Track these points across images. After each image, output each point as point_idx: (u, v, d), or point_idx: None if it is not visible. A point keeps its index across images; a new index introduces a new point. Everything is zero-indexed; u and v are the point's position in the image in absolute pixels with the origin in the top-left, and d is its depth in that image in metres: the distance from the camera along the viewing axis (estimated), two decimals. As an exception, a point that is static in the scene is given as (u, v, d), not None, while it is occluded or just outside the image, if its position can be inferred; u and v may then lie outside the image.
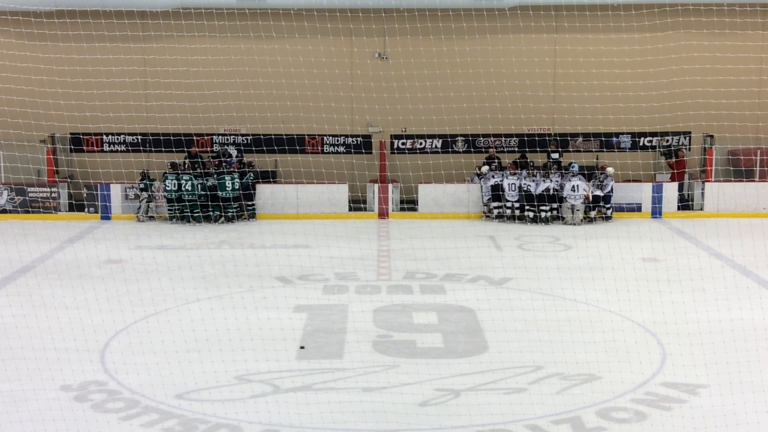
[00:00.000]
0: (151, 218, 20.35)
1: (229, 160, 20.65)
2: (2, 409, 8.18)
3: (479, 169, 21.17)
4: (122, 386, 8.83)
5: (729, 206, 20.21)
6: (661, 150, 22.17)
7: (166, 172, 19.97)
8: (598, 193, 19.83)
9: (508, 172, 20.18)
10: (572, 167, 19.93)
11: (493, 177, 20.18)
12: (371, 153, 22.49)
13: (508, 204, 20.05)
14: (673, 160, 21.53)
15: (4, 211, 20.64)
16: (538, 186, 19.70)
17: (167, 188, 19.76)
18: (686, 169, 21.31)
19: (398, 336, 10.65)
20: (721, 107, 17.99)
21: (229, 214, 19.93)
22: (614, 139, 22.39)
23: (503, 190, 20.05)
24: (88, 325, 10.59)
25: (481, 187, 20.58)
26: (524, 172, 20.15)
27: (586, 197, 19.62)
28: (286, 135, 21.52)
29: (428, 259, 14.74)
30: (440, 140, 22.51)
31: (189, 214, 19.81)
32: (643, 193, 20.88)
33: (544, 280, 13.23)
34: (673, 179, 21.17)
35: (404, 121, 21.54)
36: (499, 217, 20.19)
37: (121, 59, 20.79)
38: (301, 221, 19.54)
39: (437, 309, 11.88)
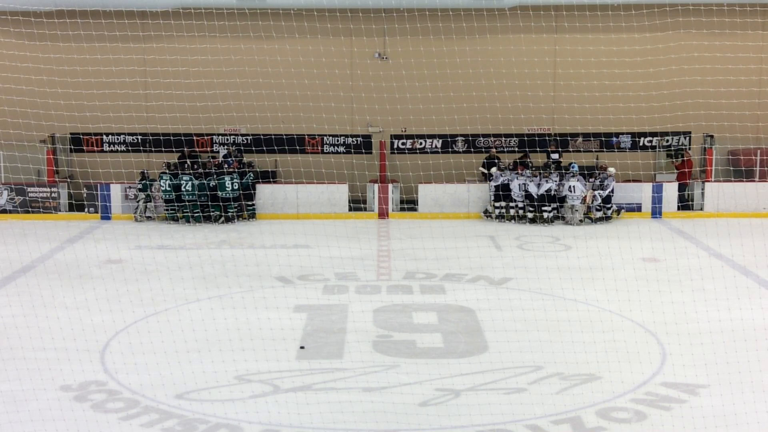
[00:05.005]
0: (149, 218, 20.35)
1: (229, 160, 20.65)
2: (2, 409, 8.18)
3: (488, 169, 21.07)
4: (122, 386, 8.83)
5: (729, 206, 20.20)
6: (667, 151, 22.16)
7: (162, 172, 19.98)
8: (605, 193, 19.83)
9: (514, 173, 20.15)
10: (572, 167, 19.94)
11: (500, 177, 20.16)
12: (371, 153, 22.48)
13: (513, 204, 20.04)
14: (679, 161, 21.49)
15: (4, 211, 20.64)
16: (540, 186, 19.70)
17: (162, 188, 19.76)
18: (690, 169, 21.26)
19: (398, 336, 10.65)
20: (721, 107, 17.99)
21: (229, 214, 19.93)
22: (614, 139, 22.39)
23: (509, 191, 20.02)
24: (88, 325, 10.60)
25: (491, 188, 20.49)
26: (528, 173, 20.15)
27: (585, 198, 19.63)
28: (286, 135, 21.52)
29: (428, 259, 14.74)
30: (440, 140, 22.50)
31: (189, 214, 19.81)
32: (643, 193, 20.87)
33: (544, 280, 13.22)
34: (679, 179, 21.11)
35: (404, 121, 21.53)
36: (500, 217, 20.18)
37: (121, 59, 20.79)
38: (301, 221, 19.55)
39: (437, 309, 11.88)
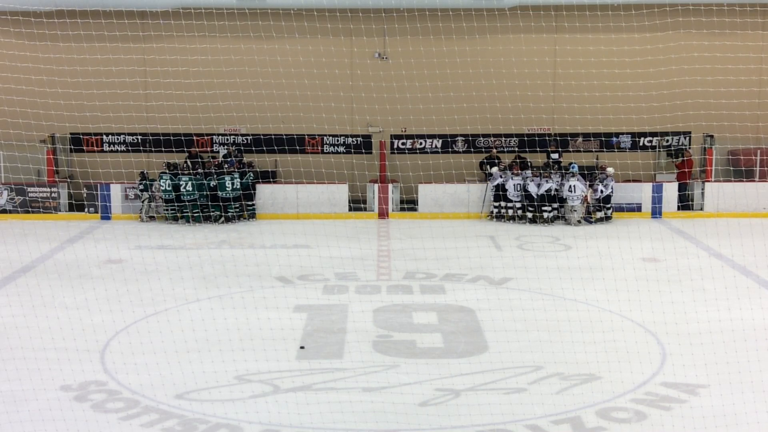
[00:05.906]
0: (152, 218, 20.36)
1: (229, 160, 20.66)
2: (2, 409, 8.18)
3: (489, 168, 21.06)
4: (122, 386, 8.83)
5: (729, 206, 20.20)
6: (668, 151, 22.16)
7: (161, 172, 19.99)
8: (606, 192, 19.82)
9: (511, 173, 20.16)
10: (572, 167, 19.94)
11: (500, 177, 20.16)
12: (371, 153, 22.49)
13: (510, 204, 20.03)
14: (680, 160, 21.48)
15: (4, 211, 20.64)
16: (541, 186, 19.70)
17: (162, 188, 19.76)
18: (691, 169, 21.25)
19: (398, 336, 10.65)
20: (721, 107, 17.98)
21: (229, 214, 19.93)
22: (614, 139, 22.39)
23: (506, 191, 20.03)
24: (88, 325, 10.60)
25: (491, 187, 20.47)
26: (528, 173, 20.15)
27: (585, 198, 19.62)
28: (286, 135, 21.51)
29: (428, 259, 14.74)
30: (440, 140, 22.51)
31: (189, 214, 19.81)
32: (643, 193, 20.87)
33: (544, 280, 13.22)
34: (679, 179, 21.09)
35: (404, 121, 21.53)
36: (499, 217, 20.18)
37: (121, 59, 20.79)
38: (301, 221, 19.54)
39: (437, 309, 11.88)
